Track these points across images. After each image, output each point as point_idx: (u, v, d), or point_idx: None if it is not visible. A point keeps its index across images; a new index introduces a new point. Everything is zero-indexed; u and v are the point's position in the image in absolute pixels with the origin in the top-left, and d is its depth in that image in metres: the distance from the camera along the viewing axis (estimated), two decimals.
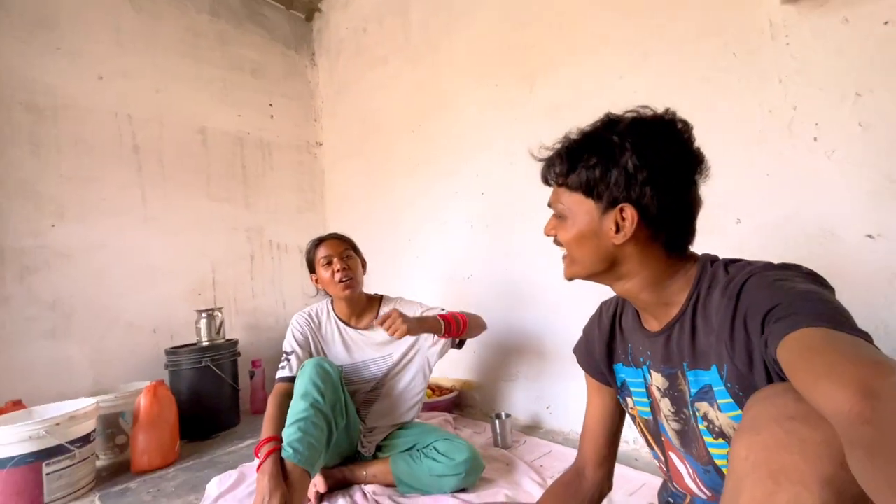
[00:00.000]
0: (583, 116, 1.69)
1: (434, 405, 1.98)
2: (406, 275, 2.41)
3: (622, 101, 1.53)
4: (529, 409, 1.85)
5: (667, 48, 1.40)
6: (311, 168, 3.09)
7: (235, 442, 1.99)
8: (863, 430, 0.34)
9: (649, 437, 0.81)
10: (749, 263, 0.62)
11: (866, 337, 0.45)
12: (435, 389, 2.09)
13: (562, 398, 1.74)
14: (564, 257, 0.74)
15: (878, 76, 1.05)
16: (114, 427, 1.86)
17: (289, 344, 1.49)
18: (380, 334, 1.50)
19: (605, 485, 0.90)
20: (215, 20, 2.70)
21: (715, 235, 1.21)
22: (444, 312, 1.46)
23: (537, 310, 1.81)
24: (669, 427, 0.74)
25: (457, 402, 2.08)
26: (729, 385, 0.60)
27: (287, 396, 1.35)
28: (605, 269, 0.70)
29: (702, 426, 0.66)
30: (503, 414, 1.65)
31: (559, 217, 0.73)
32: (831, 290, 0.56)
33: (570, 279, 0.74)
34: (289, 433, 1.19)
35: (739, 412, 0.58)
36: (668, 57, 1.40)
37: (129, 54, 2.34)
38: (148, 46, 2.41)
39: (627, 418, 0.87)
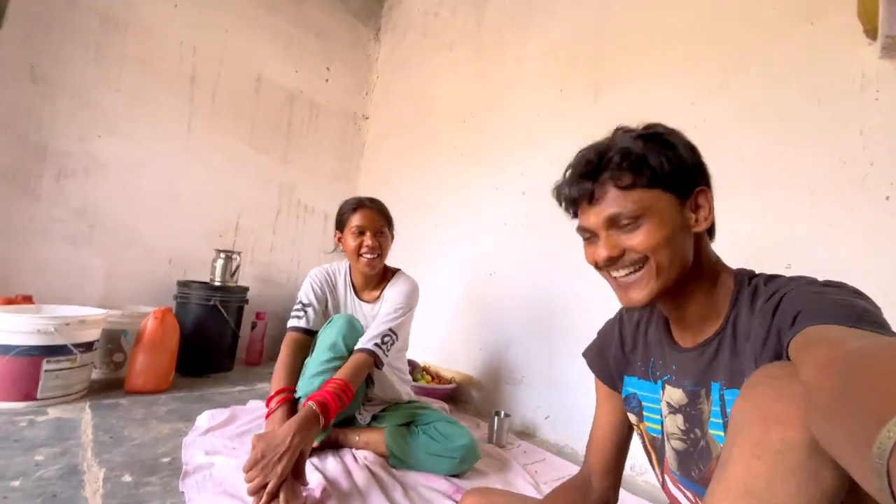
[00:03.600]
0: None
1: (430, 392, 1.95)
2: (427, 261, 2.40)
3: (689, 126, 1.52)
4: (526, 416, 1.82)
5: (747, 82, 1.39)
6: (354, 139, 3.10)
7: (228, 385, 1.98)
8: (819, 394, 0.37)
9: (652, 456, 0.78)
10: (791, 279, 0.61)
11: (887, 332, 0.46)
12: (434, 377, 2.06)
13: (562, 410, 1.71)
14: (638, 276, 0.65)
15: None
16: (114, 343, 1.86)
17: (306, 295, 1.45)
18: (381, 309, 1.45)
19: (612, 495, 0.87)
20: None
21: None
22: (329, 386, 1.16)
23: (555, 318, 1.79)
24: (670, 446, 0.71)
25: (452, 395, 2.05)
26: None
27: (301, 347, 1.35)
28: (685, 270, 0.65)
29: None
30: (503, 412, 1.63)
31: (625, 225, 0.64)
32: (874, 305, 0.53)
33: (650, 300, 0.65)
34: (314, 383, 1.19)
35: None
36: (747, 91, 1.38)
37: None
38: None
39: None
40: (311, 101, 2.86)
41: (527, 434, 1.77)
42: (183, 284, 2.15)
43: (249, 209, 2.60)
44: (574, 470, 1.45)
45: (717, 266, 0.69)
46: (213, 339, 2.13)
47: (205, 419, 1.46)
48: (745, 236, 1.31)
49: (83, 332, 1.56)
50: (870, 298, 0.55)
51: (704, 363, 0.66)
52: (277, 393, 1.22)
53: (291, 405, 1.19)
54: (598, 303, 1.65)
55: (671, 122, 1.58)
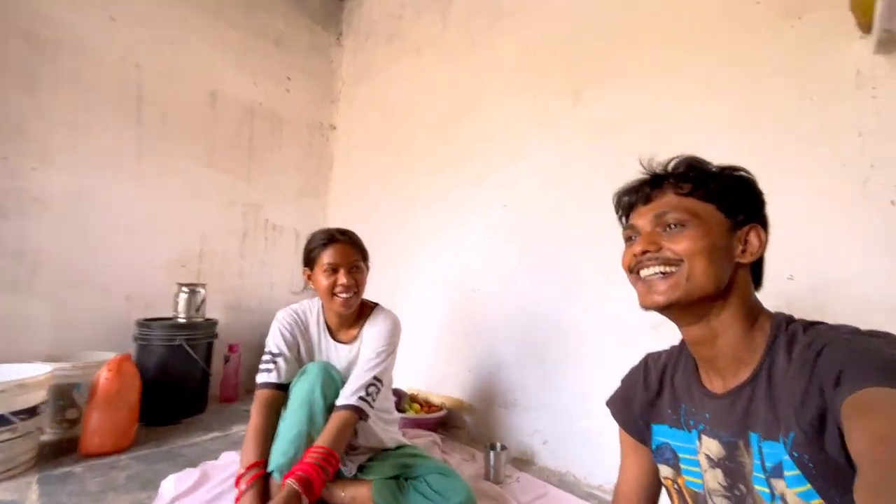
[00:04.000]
0: (627, 140, 1.57)
1: (420, 422, 1.84)
2: (406, 278, 2.28)
3: (675, 130, 1.43)
4: (523, 442, 1.72)
5: (735, 82, 1.31)
6: (321, 151, 2.94)
7: (200, 433, 1.81)
8: (869, 473, 0.38)
9: None
10: (831, 327, 0.59)
11: None
12: (423, 405, 1.95)
13: (561, 434, 1.62)
14: (667, 276, 0.63)
15: None
16: (66, 399, 1.68)
17: (275, 344, 1.29)
18: (361, 352, 1.32)
19: None
20: None
21: (764, 291, 1.11)
22: (314, 455, 1.06)
23: (546, 335, 1.69)
24: (713, 503, 0.65)
25: (444, 422, 1.94)
26: (795, 455, 0.54)
27: (274, 406, 1.21)
28: (717, 293, 0.63)
29: None
30: (498, 445, 1.52)
31: (671, 227, 0.64)
32: None
33: (671, 302, 0.63)
34: (288, 453, 1.07)
35: (808, 486, 0.53)
36: (736, 92, 1.30)
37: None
38: None
39: None
40: (273, 114, 2.69)
41: (524, 461, 1.67)
42: (143, 324, 1.97)
43: (213, 234, 2.42)
44: (578, 503, 1.37)
45: (756, 308, 0.66)
46: (180, 381, 1.96)
47: (170, 486, 1.31)
48: None
49: (23, 397, 1.38)
50: None
51: (740, 412, 0.62)
52: (248, 469, 1.07)
53: (264, 483, 1.05)
54: (593, 322, 1.56)
55: (656, 126, 1.49)
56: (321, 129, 2.94)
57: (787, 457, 0.55)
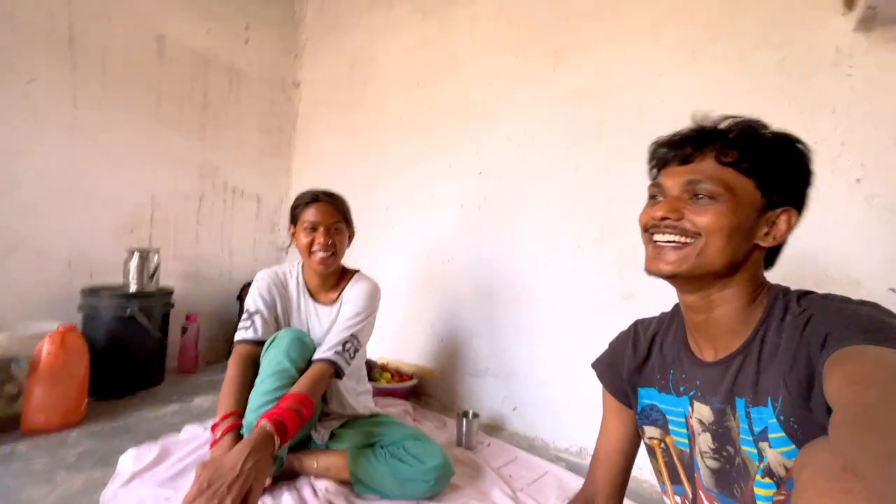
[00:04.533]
0: (609, 107, 1.55)
1: (391, 391, 1.83)
2: (377, 247, 2.21)
3: (657, 100, 1.41)
4: (493, 408, 1.75)
5: (717, 53, 1.30)
6: (284, 109, 2.75)
7: (157, 405, 1.73)
8: (845, 411, 0.39)
9: (680, 472, 0.74)
10: (823, 296, 0.60)
11: None
12: (394, 374, 1.93)
13: (530, 401, 1.66)
14: (680, 247, 0.61)
15: None
16: (3, 374, 1.53)
17: (253, 302, 1.31)
18: (340, 313, 1.33)
19: None
20: None
21: None
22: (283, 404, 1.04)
23: (518, 305, 1.70)
24: (704, 464, 0.68)
25: (415, 391, 1.94)
26: (782, 418, 0.56)
27: (250, 361, 1.21)
28: (729, 272, 0.62)
29: (761, 465, 0.60)
30: (470, 413, 1.54)
31: (699, 197, 0.60)
32: None
33: (676, 274, 0.62)
34: (259, 414, 1.03)
35: (793, 447, 0.55)
36: (718, 63, 1.30)
37: None
38: None
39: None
40: (230, 67, 2.47)
41: (495, 427, 1.71)
42: (89, 293, 1.81)
43: (166, 197, 2.23)
44: (546, 466, 1.41)
45: (761, 286, 0.65)
46: (134, 352, 1.84)
47: (128, 461, 1.23)
48: None
49: None
50: None
51: (729, 379, 0.63)
52: (224, 418, 1.08)
53: (238, 432, 1.06)
54: (566, 290, 1.58)
55: (638, 93, 1.47)
56: (283, 86, 2.74)
57: (773, 420, 0.57)
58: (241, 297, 2.44)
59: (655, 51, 1.41)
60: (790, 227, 0.62)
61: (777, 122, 1.18)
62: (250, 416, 1.08)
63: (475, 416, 1.53)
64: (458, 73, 1.95)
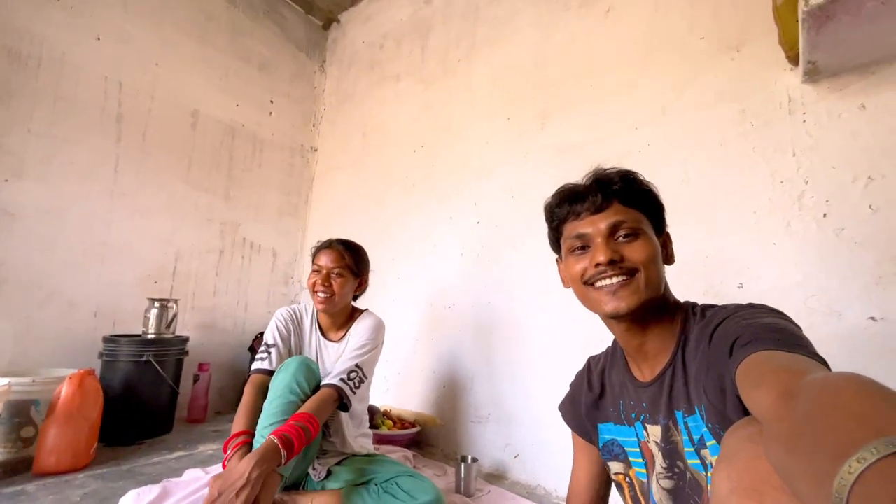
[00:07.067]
0: (592, 160, 1.68)
1: (392, 439, 1.82)
2: (383, 295, 2.29)
3: (634, 150, 1.54)
4: (495, 456, 1.72)
5: (685, 107, 1.43)
6: (302, 172, 2.99)
7: (163, 452, 1.75)
8: (779, 426, 0.38)
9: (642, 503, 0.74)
10: (723, 308, 0.65)
11: (816, 357, 0.47)
12: (396, 422, 1.93)
13: (532, 448, 1.63)
14: (627, 284, 0.67)
15: (891, 163, 1.07)
16: (23, 417, 1.61)
17: (271, 335, 1.42)
18: (344, 348, 1.42)
19: None
20: (231, 8, 2.65)
21: (718, 298, 1.18)
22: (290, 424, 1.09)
23: (518, 351, 1.73)
24: (659, 487, 0.69)
25: (417, 440, 1.92)
26: (710, 426, 0.59)
27: (265, 388, 1.27)
28: (659, 294, 0.69)
29: (708, 474, 0.61)
30: (469, 458, 1.52)
31: (626, 235, 0.69)
32: (796, 325, 0.57)
33: (632, 309, 0.67)
34: (267, 433, 1.08)
35: None
36: (686, 116, 1.42)
37: (134, 21, 2.24)
38: (155, 17, 2.32)
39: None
40: (254, 135, 2.74)
41: (497, 476, 1.67)
42: (110, 340, 1.93)
43: (189, 252, 2.40)
44: None
45: (675, 304, 0.74)
46: (146, 399, 1.90)
47: (130, 501, 1.26)
48: (696, 258, 1.32)
49: None
50: (788, 316, 0.58)
51: (666, 394, 0.68)
52: (235, 436, 1.13)
53: (250, 449, 1.09)
54: (561, 333, 1.61)
55: (617, 146, 1.60)
56: (302, 151, 3.00)
57: (705, 428, 0.60)
58: (253, 347, 2.52)
59: (630, 107, 1.55)
60: (672, 247, 0.76)
61: (743, 164, 1.29)
62: (258, 436, 1.13)
63: (474, 460, 1.51)
64: (457, 134, 2.13)
